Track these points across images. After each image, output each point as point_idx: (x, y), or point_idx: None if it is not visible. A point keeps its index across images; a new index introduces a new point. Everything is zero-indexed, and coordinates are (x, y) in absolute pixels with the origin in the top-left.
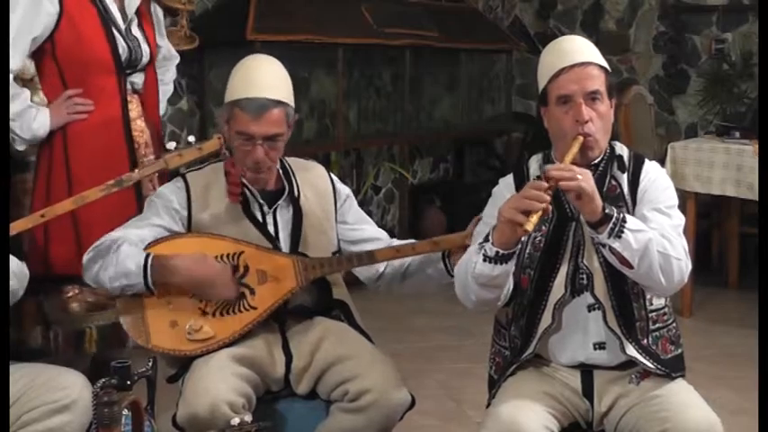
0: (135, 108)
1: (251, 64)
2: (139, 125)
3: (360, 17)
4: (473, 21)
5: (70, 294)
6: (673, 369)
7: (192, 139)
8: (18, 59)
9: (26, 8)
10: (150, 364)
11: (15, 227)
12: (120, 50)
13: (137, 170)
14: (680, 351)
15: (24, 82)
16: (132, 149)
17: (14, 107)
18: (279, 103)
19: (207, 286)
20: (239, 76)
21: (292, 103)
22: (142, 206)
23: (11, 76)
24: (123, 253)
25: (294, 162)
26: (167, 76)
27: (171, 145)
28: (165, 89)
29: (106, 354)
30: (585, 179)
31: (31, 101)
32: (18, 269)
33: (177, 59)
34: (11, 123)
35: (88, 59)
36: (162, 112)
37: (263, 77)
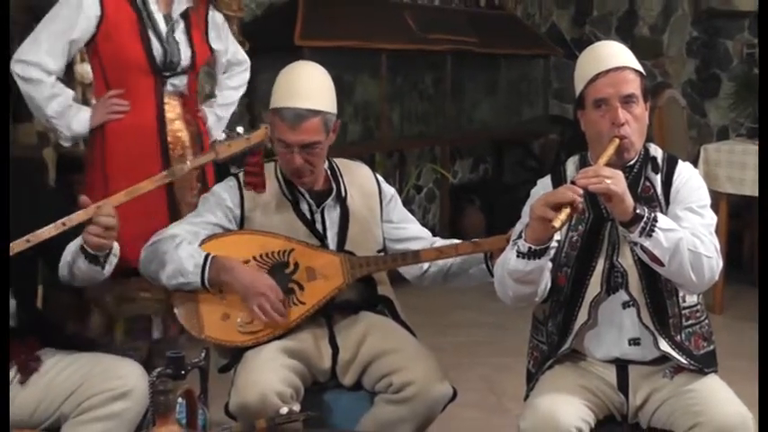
0: (173, 109)
1: (292, 72)
2: (177, 126)
3: (403, 23)
4: (512, 27)
5: (109, 287)
6: (705, 365)
7: (240, 129)
8: (60, 60)
9: (67, 12)
10: (203, 354)
11: (73, 220)
12: (155, 53)
13: (188, 161)
14: (712, 347)
15: (84, 86)
16: (166, 149)
17: (55, 106)
18: (316, 112)
19: (252, 295)
20: (280, 84)
21: (333, 110)
22: (174, 209)
23: (52, 77)
24: (182, 252)
25: (341, 163)
26: (234, 81)
27: (221, 136)
28: (233, 93)
29: (161, 345)
30: (615, 181)
31: (90, 102)
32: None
33: (246, 64)
34: (53, 121)
35: (125, 61)
36: (229, 114)
37: (303, 87)
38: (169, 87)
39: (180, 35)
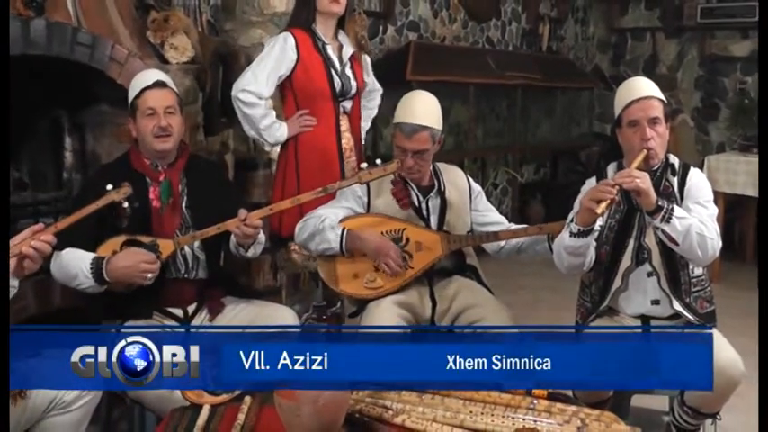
0: (344, 124)
1: (412, 97)
2: (347, 136)
3: (486, 63)
4: (566, 67)
5: (293, 248)
6: (707, 320)
7: (378, 161)
8: (271, 88)
9: (275, 54)
10: (339, 304)
11: (253, 215)
12: (336, 85)
13: (338, 182)
14: (713, 308)
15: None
16: (341, 153)
17: (266, 122)
18: (426, 127)
19: (381, 254)
20: (402, 106)
21: (439, 127)
22: None
23: (263, 101)
24: (326, 228)
25: (441, 166)
26: (372, 103)
27: (364, 165)
28: (371, 113)
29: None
30: (643, 181)
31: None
32: (262, 238)
33: (380, 91)
34: (263, 132)
35: (314, 90)
36: (367, 127)
37: (418, 108)
38: (341, 109)
39: (348, 71)
